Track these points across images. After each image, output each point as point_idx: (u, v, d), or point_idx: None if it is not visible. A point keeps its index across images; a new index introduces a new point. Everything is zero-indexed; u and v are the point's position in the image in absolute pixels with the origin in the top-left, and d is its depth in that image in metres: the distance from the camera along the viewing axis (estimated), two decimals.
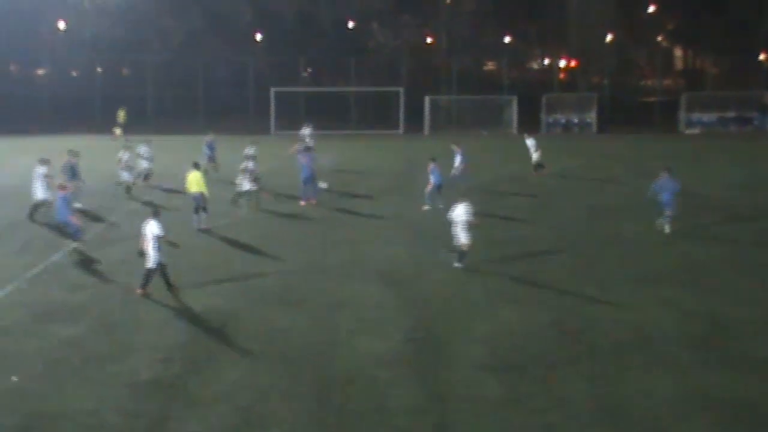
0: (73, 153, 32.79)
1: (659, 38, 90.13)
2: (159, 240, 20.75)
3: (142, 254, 20.91)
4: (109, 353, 17.02)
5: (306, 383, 15.50)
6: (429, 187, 31.85)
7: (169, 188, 36.29)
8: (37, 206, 30.02)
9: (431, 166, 32.05)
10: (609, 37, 78.83)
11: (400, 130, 65.17)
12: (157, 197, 34.07)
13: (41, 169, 30.07)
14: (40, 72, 77.53)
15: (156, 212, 21.37)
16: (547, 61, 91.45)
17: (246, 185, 31.87)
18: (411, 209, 31.81)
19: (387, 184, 38.47)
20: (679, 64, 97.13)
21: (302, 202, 32.92)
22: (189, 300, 20.54)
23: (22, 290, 21.55)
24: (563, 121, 67.77)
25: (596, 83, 77.89)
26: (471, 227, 23.14)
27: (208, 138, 41.33)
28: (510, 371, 16.05)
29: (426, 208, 31.50)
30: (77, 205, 30.37)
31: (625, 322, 18.86)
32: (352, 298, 20.80)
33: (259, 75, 70.51)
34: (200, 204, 28.45)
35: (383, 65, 76.45)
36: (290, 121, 61.75)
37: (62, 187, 25.80)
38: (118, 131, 58.89)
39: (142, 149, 38.12)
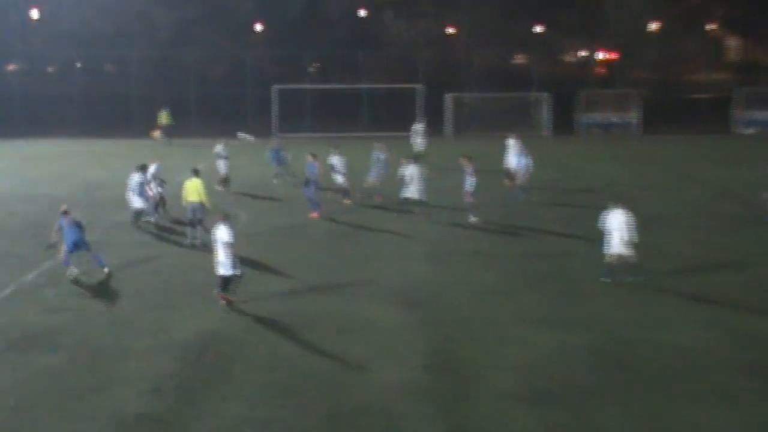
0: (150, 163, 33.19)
1: (710, 27, 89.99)
2: (229, 247, 21.38)
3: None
4: (91, 384, 17.09)
5: (314, 416, 15.56)
6: (468, 198, 31.74)
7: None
8: (138, 215, 31.17)
9: (470, 168, 31.79)
10: (653, 26, 78.77)
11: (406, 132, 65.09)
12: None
13: (137, 177, 31.08)
14: (11, 68, 77.96)
15: (226, 217, 21.94)
16: (582, 54, 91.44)
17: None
18: (430, 221, 31.85)
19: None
20: (732, 56, 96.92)
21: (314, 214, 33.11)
22: (182, 323, 20.64)
23: None
24: (601, 120, 67.79)
25: (638, 78, 77.82)
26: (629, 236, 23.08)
27: (274, 143, 42.56)
28: (543, 402, 16.07)
29: (473, 220, 31.41)
30: (150, 218, 30.92)
31: (672, 347, 18.86)
32: (365, 320, 20.86)
33: (258, 70, 70.78)
34: (197, 216, 28.61)
35: (398, 59, 76.60)
36: (293, 121, 62.00)
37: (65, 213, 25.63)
38: (156, 134, 59.49)
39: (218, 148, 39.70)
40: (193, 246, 28.26)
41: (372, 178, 36.63)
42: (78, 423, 15.38)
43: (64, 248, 24.67)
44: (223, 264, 21.67)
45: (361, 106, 70.98)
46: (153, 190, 31.81)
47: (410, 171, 32.49)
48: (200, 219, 28.68)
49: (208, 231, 28.07)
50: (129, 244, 28.92)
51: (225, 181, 39.07)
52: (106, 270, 24.94)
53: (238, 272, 21.91)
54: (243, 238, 27.66)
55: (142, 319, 21.02)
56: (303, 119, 65.28)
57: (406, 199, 32.72)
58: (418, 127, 51.16)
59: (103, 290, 23.66)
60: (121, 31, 73.08)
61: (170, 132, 60.03)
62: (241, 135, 35.88)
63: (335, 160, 35.70)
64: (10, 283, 24.27)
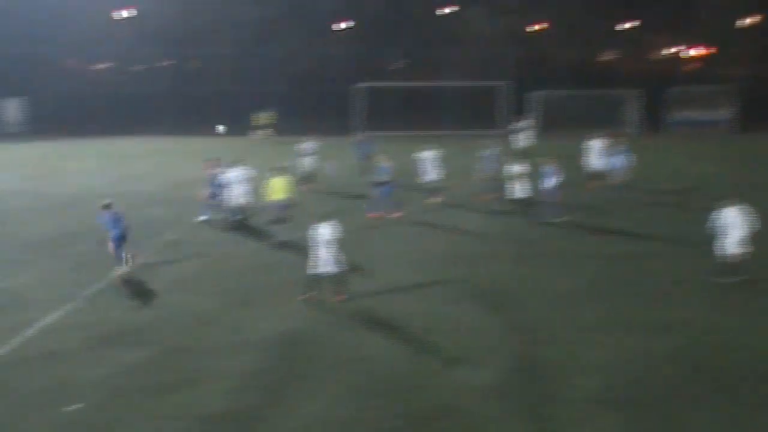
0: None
1: None
2: (334, 245, 21.54)
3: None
4: (174, 381, 17.32)
5: (394, 417, 15.54)
6: (555, 197, 31.46)
7: None
8: (237, 212, 31.28)
9: (548, 167, 31.57)
10: (748, 20, 77.16)
11: (502, 130, 64.74)
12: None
13: (240, 172, 31.20)
14: (100, 67, 79.36)
15: (329, 215, 22.14)
16: (671, 50, 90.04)
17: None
18: (515, 220, 31.63)
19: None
20: None
21: (375, 214, 32.97)
22: (265, 322, 20.80)
23: (81, 310, 22.10)
24: (692, 118, 66.65)
25: (731, 74, 76.29)
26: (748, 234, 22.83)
27: (359, 138, 42.97)
28: (629, 407, 15.84)
29: (557, 219, 31.20)
30: (203, 217, 31.16)
31: (765, 352, 18.45)
32: (449, 321, 20.78)
33: (340, 68, 71.01)
34: (282, 214, 28.78)
35: (482, 57, 76.25)
36: (376, 119, 62.09)
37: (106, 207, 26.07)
38: (260, 134, 60.32)
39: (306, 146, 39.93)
40: (277, 244, 28.45)
41: (483, 173, 36.14)
42: (161, 420, 15.57)
43: (110, 244, 24.95)
44: (328, 262, 21.74)
45: (443, 104, 70.77)
46: (214, 191, 31.88)
47: (516, 169, 32.10)
48: (284, 217, 28.88)
49: (293, 230, 28.30)
50: (211, 243, 29.26)
51: (309, 178, 39.33)
52: (124, 268, 24.96)
53: (342, 269, 21.94)
54: None
55: (225, 318, 21.25)
56: (385, 117, 65.32)
57: (515, 200, 32.28)
58: (522, 124, 51.02)
59: (188, 288, 23.96)
60: (207, 29, 73.93)
61: (270, 131, 60.52)
62: (218, 128, 35.77)
63: (427, 156, 35.49)
64: (97, 280, 24.69)
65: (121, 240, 24.73)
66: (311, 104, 68.98)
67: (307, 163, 39.79)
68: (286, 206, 28.84)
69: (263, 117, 62.58)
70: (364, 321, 20.79)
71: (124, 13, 75.05)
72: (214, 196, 31.93)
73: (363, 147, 41.94)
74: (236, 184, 31.01)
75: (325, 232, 21.74)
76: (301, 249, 27.70)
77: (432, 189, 35.50)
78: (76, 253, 27.90)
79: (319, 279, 22.00)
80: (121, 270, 24.49)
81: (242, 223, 31.20)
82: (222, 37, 74.00)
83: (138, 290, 23.76)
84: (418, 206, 34.38)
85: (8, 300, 22.94)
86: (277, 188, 29.02)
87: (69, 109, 67.70)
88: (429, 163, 35.38)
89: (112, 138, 60.02)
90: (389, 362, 18.18)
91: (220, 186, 31.59)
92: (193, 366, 18.14)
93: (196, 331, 20.35)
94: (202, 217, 31.90)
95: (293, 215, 29.35)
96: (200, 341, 19.66)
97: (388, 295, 22.82)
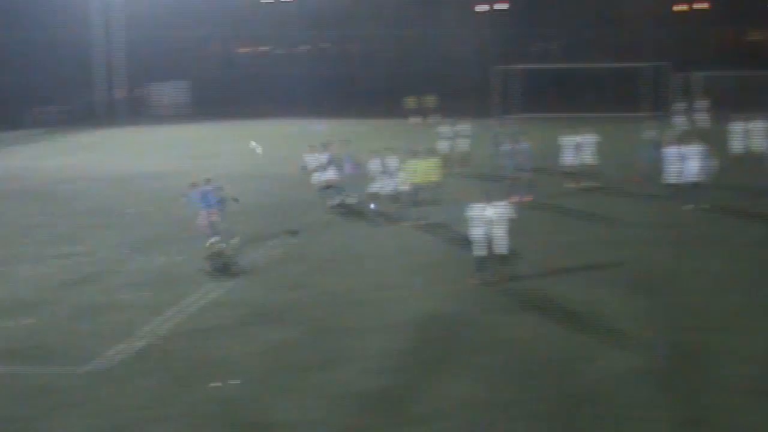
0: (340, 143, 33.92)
1: None
2: (501, 226, 21.43)
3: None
4: (320, 361, 17.48)
5: (539, 401, 15.33)
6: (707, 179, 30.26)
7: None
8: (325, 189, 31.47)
9: (698, 149, 30.38)
10: None
11: (660, 112, 62.75)
12: None
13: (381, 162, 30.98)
14: (242, 50, 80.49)
15: (489, 194, 22.04)
16: None
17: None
18: (668, 204, 30.77)
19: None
20: None
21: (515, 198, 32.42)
22: (407, 303, 20.83)
23: (234, 288, 22.54)
24: None
25: None
26: None
27: (501, 121, 43.35)
28: None
29: (695, 206, 30.17)
30: (351, 200, 31.74)
31: None
32: (595, 305, 20.42)
33: (483, 50, 70.40)
34: (425, 196, 28.72)
35: (631, 37, 74.32)
36: (523, 102, 61.36)
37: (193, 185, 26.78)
38: (416, 118, 60.63)
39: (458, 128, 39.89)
40: (420, 227, 28.44)
41: (642, 158, 35.17)
42: (304, 398, 15.72)
43: (204, 219, 25.69)
44: (496, 243, 21.56)
45: (593, 86, 69.20)
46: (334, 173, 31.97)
47: (684, 151, 30.76)
48: (429, 200, 28.78)
49: (437, 212, 28.33)
50: (352, 226, 29.48)
51: (460, 161, 38.99)
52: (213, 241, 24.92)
53: (508, 251, 21.76)
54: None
55: (370, 299, 21.35)
56: (533, 99, 64.38)
57: (671, 184, 31.10)
58: (696, 105, 49.71)
59: (334, 269, 24.20)
60: (347, 12, 74.19)
61: (427, 114, 60.46)
62: (252, 145, 35.45)
63: (576, 140, 34.71)
64: (246, 259, 25.12)
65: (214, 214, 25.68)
66: (460, 86, 68.62)
67: (459, 145, 39.42)
68: (430, 189, 28.78)
69: (419, 100, 62.54)
70: (513, 303, 20.63)
71: None
72: (338, 179, 32.14)
73: (503, 130, 41.41)
74: (382, 173, 30.97)
75: (492, 212, 21.53)
76: (445, 231, 27.71)
77: (579, 173, 34.81)
78: (233, 232, 28.42)
79: (486, 260, 21.84)
80: (216, 244, 24.57)
81: (381, 206, 31.05)
82: (373, 20, 74.21)
83: (285, 271, 24.10)
84: (566, 190, 33.83)
85: (163, 277, 23.62)
86: (423, 171, 28.97)
87: (228, 91, 69.11)
88: (577, 146, 34.67)
89: (269, 120, 60.99)
90: (531, 345, 17.97)
91: (343, 169, 31.95)
92: (339, 345, 18.29)
93: (342, 312, 20.52)
94: (336, 200, 32.13)
95: (439, 198, 29.27)
96: (346, 321, 19.82)
97: (538, 279, 22.53)
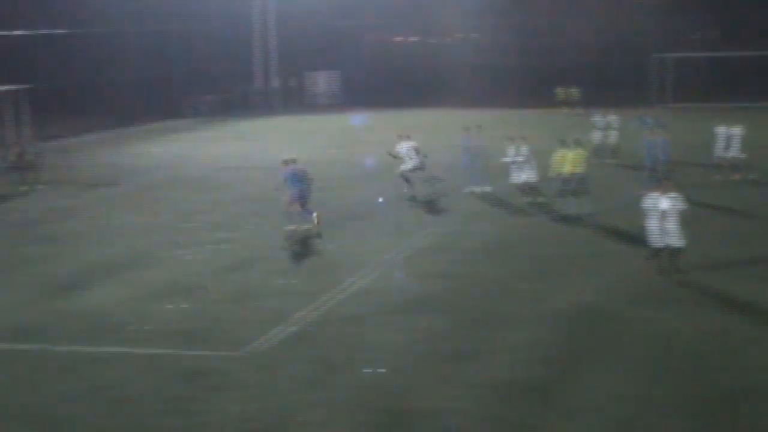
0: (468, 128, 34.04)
1: None
2: (674, 217, 21.09)
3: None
4: (469, 349, 17.52)
5: (694, 397, 15.04)
6: None
7: None
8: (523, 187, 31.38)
9: None
10: None
11: None
12: None
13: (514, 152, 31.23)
14: (401, 39, 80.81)
15: (669, 186, 21.79)
16: None
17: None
18: None
19: None
20: None
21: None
22: (559, 294, 20.68)
23: (384, 277, 22.78)
24: None
25: None
26: None
27: (647, 111, 43.18)
28: None
29: None
30: (478, 189, 32.02)
31: None
32: (749, 298, 19.93)
33: (637, 38, 68.86)
34: (572, 186, 28.45)
35: None
36: (678, 92, 59.92)
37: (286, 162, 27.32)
38: (567, 109, 60.28)
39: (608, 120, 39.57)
40: (567, 217, 28.12)
41: None
42: (455, 387, 15.79)
43: (290, 199, 26.50)
44: (670, 235, 21.16)
45: (750, 74, 66.70)
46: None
47: None
48: (576, 190, 28.46)
49: (586, 203, 28.02)
50: (502, 215, 29.38)
51: (611, 152, 38.46)
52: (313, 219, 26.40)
53: (684, 244, 21.28)
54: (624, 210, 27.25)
55: (520, 289, 21.29)
56: (689, 89, 62.72)
57: None
58: None
59: (481, 259, 24.19)
60: (499, 2, 73.55)
61: (573, 105, 59.88)
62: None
63: (729, 131, 33.78)
64: (401, 247, 25.35)
65: (302, 198, 26.54)
66: (611, 77, 67.41)
67: (611, 136, 38.86)
68: (577, 180, 28.42)
69: (568, 92, 61.83)
70: (660, 298, 20.26)
71: None
72: (468, 165, 32.78)
73: (648, 120, 40.48)
74: (514, 163, 30.93)
75: (666, 203, 21.18)
76: (594, 223, 27.35)
77: (732, 165, 33.81)
78: (385, 221, 28.75)
79: (659, 251, 21.53)
80: (300, 227, 26.16)
81: (533, 196, 30.83)
82: (525, 9, 73.56)
83: (435, 260, 24.19)
84: (717, 181, 32.95)
85: (318, 263, 24.05)
86: (569, 161, 28.64)
87: (376, 81, 69.64)
88: (729, 138, 33.69)
89: (416, 110, 61.21)
90: (696, 339, 17.65)
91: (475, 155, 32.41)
92: (487, 335, 18.29)
93: (489, 302, 20.51)
94: (474, 188, 32.25)
95: (587, 189, 28.87)
96: (494, 312, 19.79)
97: (699, 272, 21.96)
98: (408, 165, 32.07)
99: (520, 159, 30.83)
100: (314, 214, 26.58)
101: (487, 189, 32.17)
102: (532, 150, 31.08)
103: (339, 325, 19.20)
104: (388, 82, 69.23)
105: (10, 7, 48.36)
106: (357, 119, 50.51)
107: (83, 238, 27.20)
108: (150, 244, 26.22)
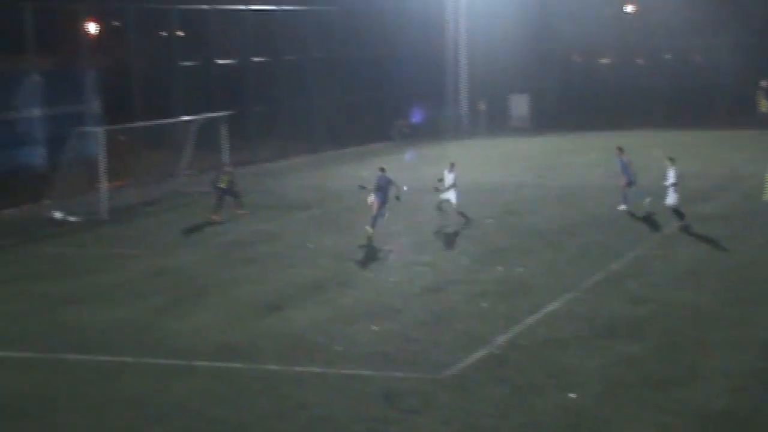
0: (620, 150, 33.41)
1: None
2: None
3: None
4: (674, 376, 16.99)
5: None
6: None
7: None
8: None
9: None
10: None
11: None
12: None
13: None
14: (604, 61, 79.73)
15: None
16: None
17: None
18: None
19: None
20: None
21: None
22: (763, 322, 19.81)
23: (580, 300, 22.39)
24: None
25: None
26: None
27: None
28: None
29: None
30: (622, 207, 31.51)
31: None
32: None
33: None
34: None
35: None
36: None
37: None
38: None
39: None
40: None
41: None
42: (661, 414, 15.30)
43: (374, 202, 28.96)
44: None
45: None
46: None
47: None
48: None
49: None
50: (699, 239, 28.39)
51: None
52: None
53: None
54: None
55: (725, 313, 20.59)
56: None
57: None
58: None
59: (685, 283, 23.52)
60: (710, 21, 71.60)
61: None
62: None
63: None
64: (597, 271, 24.90)
65: (383, 202, 29.51)
66: None
67: None
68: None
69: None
70: None
71: (629, 8, 74.87)
72: (629, 183, 32.20)
73: None
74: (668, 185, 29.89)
75: None
76: None
77: None
78: (576, 244, 28.30)
79: None
80: (370, 231, 28.88)
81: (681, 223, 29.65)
82: (725, 29, 71.27)
83: (635, 284, 23.63)
84: None
85: (513, 287, 23.79)
86: None
87: (572, 103, 68.80)
88: None
89: (614, 132, 60.14)
90: None
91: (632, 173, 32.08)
92: (691, 362, 17.71)
93: (694, 327, 19.89)
94: (623, 207, 32.01)
95: None
96: (699, 337, 19.17)
97: None
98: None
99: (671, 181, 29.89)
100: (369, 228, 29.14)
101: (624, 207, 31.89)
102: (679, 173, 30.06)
103: (537, 348, 18.95)
104: (586, 105, 68.26)
105: (223, 38, 50.37)
106: (409, 155, 50.40)
107: (286, 259, 27.80)
108: (350, 266, 26.58)
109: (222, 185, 33.89)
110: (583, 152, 48.41)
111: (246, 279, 25.47)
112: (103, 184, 35.50)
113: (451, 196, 31.67)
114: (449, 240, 29.62)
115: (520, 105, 70.75)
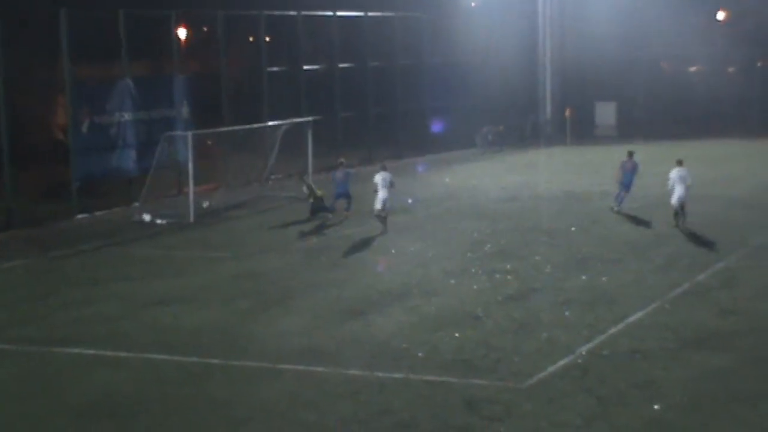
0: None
1: None
2: None
3: None
4: (761, 390, 16.75)
5: None
6: None
7: None
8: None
9: None
10: None
11: None
12: None
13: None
14: (694, 69, 78.68)
15: None
16: None
17: None
18: None
19: None
20: None
21: None
22: None
23: (666, 311, 22.15)
24: None
25: None
26: None
27: None
28: None
29: None
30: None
31: None
32: None
33: None
34: None
35: None
36: None
37: None
38: None
39: None
40: None
41: None
42: (750, 430, 15.12)
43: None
44: None
45: None
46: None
47: None
48: None
49: None
50: None
51: None
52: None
53: None
54: None
55: None
56: None
57: None
58: None
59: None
60: None
61: None
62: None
63: None
64: (683, 282, 24.61)
65: (341, 196, 33.16)
66: None
67: None
68: None
69: None
70: None
71: (720, 15, 73.69)
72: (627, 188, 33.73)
73: None
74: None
75: None
76: None
77: None
78: (663, 254, 27.98)
79: None
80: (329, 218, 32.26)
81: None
82: None
83: (723, 295, 23.32)
84: None
85: (597, 297, 23.61)
86: None
87: (660, 112, 67.94)
88: None
89: (702, 141, 59.26)
90: None
91: None
92: None
93: None
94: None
95: None
96: None
97: None
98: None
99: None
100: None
101: None
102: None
103: (622, 359, 18.80)
104: (675, 114, 67.37)
105: (310, 44, 50.78)
106: (421, 167, 49.96)
107: (371, 264, 27.95)
108: (436, 273, 26.60)
109: (320, 193, 34.75)
110: (672, 162, 47.69)
111: (331, 283, 25.64)
112: (191, 188, 36.03)
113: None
114: (538, 247, 29.46)
115: (606, 113, 70.03)
